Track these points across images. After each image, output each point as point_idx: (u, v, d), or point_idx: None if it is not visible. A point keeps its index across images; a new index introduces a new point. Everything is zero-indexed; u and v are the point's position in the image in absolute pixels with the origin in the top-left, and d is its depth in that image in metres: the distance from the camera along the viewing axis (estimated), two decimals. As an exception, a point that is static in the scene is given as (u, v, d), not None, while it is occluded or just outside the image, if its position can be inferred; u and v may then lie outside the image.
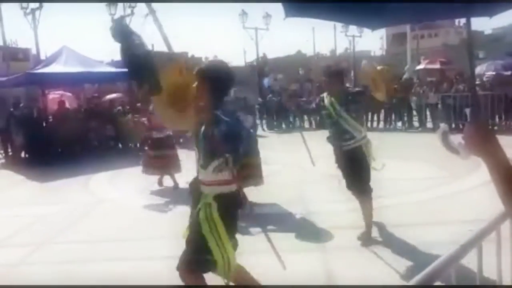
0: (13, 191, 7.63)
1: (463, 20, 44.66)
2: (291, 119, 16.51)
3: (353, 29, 26.14)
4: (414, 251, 3.86)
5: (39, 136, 10.86)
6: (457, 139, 1.41)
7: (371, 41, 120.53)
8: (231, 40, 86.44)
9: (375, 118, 14.34)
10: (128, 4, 18.04)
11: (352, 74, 26.15)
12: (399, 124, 13.66)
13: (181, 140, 12.84)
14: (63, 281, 3.72)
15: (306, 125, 16.00)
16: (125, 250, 4.44)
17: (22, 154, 11.59)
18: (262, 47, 44.66)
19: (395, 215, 4.97)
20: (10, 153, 11.65)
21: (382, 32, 45.21)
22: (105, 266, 4.04)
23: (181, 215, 4.93)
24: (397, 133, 12.86)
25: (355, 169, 4.22)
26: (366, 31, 27.45)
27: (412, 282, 1.31)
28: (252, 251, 4.15)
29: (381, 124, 14.13)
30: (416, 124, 13.29)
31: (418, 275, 1.34)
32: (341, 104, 4.16)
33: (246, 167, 5.84)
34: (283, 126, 16.25)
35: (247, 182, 5.92)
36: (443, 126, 1.52)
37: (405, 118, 13.37)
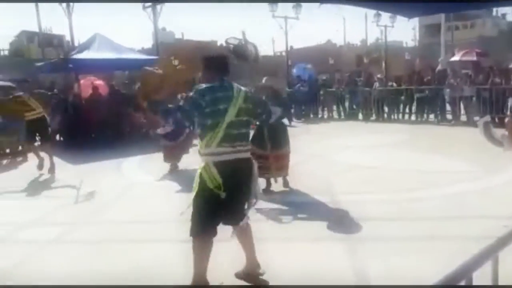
0: (47, 173, 7.87)
1: (502, 10, 42.76)
2: (319, 109, 16.35)
3: (385, 19, 25.44)
4: (445, 245, 3.79)
5: (74, 120, 11.18)
6: (499, 131, 1.37)
7: (403, 31, 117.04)
8: (260, 29, 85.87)
9: (407, 110, 14.04)
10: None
11: (383, 65, 25.60)
12: (432, 116, 13.32)
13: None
14: (96, 260, 3.85)
15: (335, 115, 15.85)
16: (157, 231, 4.54)
17: (57, 137, 11.97)
18: (292, 36, 44.24)
19: (426, 209, 4.89)
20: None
21: (414, 23, 44.01)
22: (136, 246, 4.15)
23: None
24: (430, 126, 12.57)
25: None
26: (399, 20, 26.79)
27: (444, 277, 1.28)
28: (280, 239, 4.19)
29: (413, 117, 13.84)
30: (449, 117, 12.93)
31: (452, 270, 1.31)
32: None
33: (279, 157, 5.86)
34: (311, 115, 16.12)
35: (277, 173, 5.95)
36: (485, 117, 1.49)
37: (438, 111, 13.02)
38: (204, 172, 3.00)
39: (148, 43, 36.36)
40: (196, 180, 3.05)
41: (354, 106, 15.41)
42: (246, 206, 3.18)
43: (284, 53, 30.02)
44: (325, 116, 16.07)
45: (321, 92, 16.23)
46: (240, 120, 3.06)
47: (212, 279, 3.09)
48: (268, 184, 5.95)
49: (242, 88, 3.18)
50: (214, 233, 3.07)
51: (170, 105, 3.35)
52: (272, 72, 26.39)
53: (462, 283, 1.33)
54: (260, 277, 3.31)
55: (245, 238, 3.33)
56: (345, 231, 4.34)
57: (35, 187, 6.96)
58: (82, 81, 12.28)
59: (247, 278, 3.33)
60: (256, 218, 4.80)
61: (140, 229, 4.66)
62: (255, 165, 3.18)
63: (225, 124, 2.96)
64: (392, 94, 14.32)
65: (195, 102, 2.96)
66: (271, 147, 5.77)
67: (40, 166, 7.82)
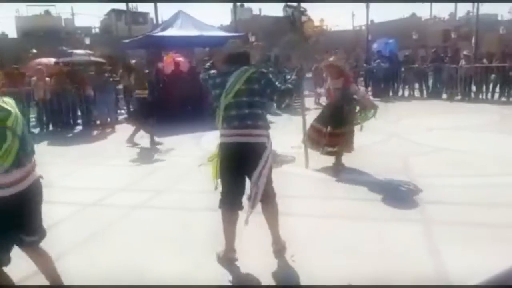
0: (133, 143, 8.45)
1: None
2: (400, 87, 15.62)
3: (478, -12, 23.28)
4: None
5: (157, 96, 11.79)
6: None
7: (498, 3, 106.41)
8: (339, 3, 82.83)
9: (497, 89, 12.97)
10: None
11: (473, 40, 23.66)
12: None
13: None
14: (177, 227, 4.14)
15: (417, 93, 15.07)
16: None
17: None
18: (373, 9, 42.30)
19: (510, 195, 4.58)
20: (132, 110, 12.83)
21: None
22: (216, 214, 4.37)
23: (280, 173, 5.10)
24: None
25: None
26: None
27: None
28: (352, 217, 4.18)
29: (504, 97, 12.77)
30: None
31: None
32: None
33: (333, 135, 5.79)
34: (391, 93, 15.44)
35: (326, 150, 5.91)
36: None
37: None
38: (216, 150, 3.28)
39: (227, 20, 36.91)
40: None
41: (438, 85, 14.54)
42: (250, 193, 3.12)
43: (364, 27, 28.89)
44: (406, 95, 15.35)
45: (402, 69, 15.48)
46: (239, 102, 3.11)
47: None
48: (338, 160, 5.92)
49: (251, 69, 3.17)
50: (235, 206, 3.24)
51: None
52: (350, 47, 25.54)
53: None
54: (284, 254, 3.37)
55: (268, 216, 3.35)
56: (421, 214, 4.22)
57: (123, 156, 7.53)
58: (164, 58, 12.85)
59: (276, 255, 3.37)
60: (325, 195, 4.85)
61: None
62: (266, 152, 3.09)
63: (223, 106, 3.13)
64: (482, 72, 13.27)
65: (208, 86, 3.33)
66: (328, 125, 5.79)
67: (152, 142, 8.18)
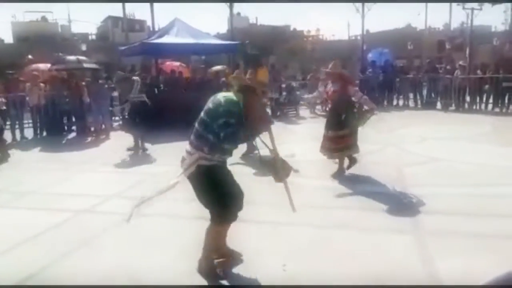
0: (126, 150, 8.41)
1: None
2: (394, 97, 15.69)
3: None
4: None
5: (152, 102, 11.75)
6: None
7: (492, 14, 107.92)
8: (335, 12, 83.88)
9: (491, 100, 13.07)
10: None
11: (467, 52, 23.89)
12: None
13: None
14: (169, 234, 4.10)
15: (411, 103, 15.15)
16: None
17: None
18: (368, 19, 42.70)
19: (504, 206, 4.59)
20: (126, 117, 12.79)
21: (506, 5, 40.26)
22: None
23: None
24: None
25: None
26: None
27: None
28: (347, 227, 4.17)
29: (497, 108, 12.86)
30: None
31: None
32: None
33: (333, 139, 5.88)
34: (385, 103, 15.50)
35: (330, 154, 6.08)
36: None
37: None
38: None
39: (223, 28, 37.09)
40: None
41: (433, 95, 14.63)
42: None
43: (359, 37, 29.12)
44: (400, 104, 15.43)
45: (397, 79, 15.58)
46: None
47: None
48: (341, 164, 6.07)
49: (219, 96, 3.07)
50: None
51: None
52: (346, 56, 25.70)
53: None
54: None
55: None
56: (416, 224, 4.22)
57: (116, 163, 7.48)
58: (167, 64, 12.81)
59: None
60: (322, 204, 4.84)
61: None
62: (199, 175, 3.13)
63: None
64: (476, 83, 13.38)
65: None
66: (330, 129, 5.98)
67: (137, 147, 8.29)
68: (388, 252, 3.56)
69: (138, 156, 7.99)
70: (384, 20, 59.19)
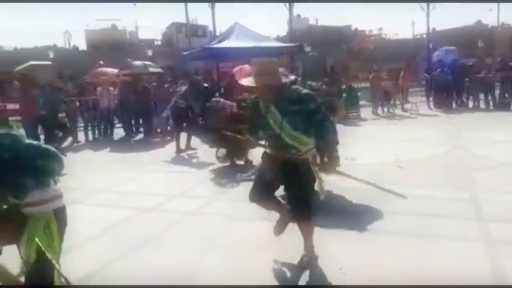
0: (190, 151, 8.70)
1: None
2: (464, 98, 14.86)
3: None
4: None
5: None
6: None
7: None
8: (398, 11, 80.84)
9: None
10: None
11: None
12: None
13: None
14: (229, 234, 4.20)
15: (482, 105, 14.27)
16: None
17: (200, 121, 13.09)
18: (434, 17, 40.65)
19: None
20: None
21: None
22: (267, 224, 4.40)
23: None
24: None
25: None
26: None
27: None
28: (414, 235, 4.04)
29: None
30: None
31: None
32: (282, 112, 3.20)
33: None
34: (454, 105, 14.72)
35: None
36: None
37: None
38: None
39: (283, 31, 37.17)
40: None
41: (506, 95, 13.69)
42: None
43: (425, 36, 27.92)
44: (470, 106, 14.59)
45: (467, 79, 14.74)
46: None
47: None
48: None
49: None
50: None
51: None
52: (409, 56, 24.76)
53: None
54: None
55: None
56: (486, 232, 3.98)
57: (180, 164, 7.77)
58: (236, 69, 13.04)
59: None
60: (385, 210, 4.71)
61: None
62: None
63: None
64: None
65: None
66: None
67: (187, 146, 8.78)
68: (458, 259, 3.40)
69: (198, 157, 8.23)
70: (451, 17, 56.22)
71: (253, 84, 3.20)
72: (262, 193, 3.39)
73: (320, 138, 3.22)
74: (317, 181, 3.32)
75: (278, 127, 3.17)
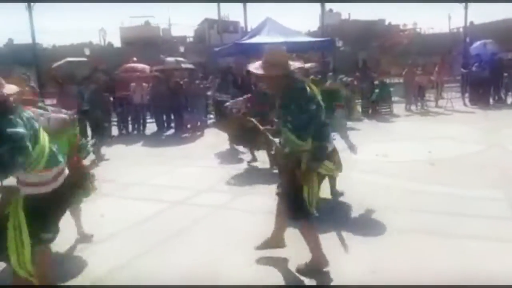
0: (219, 147, 8.76)
1: None
2: (502, 94, 14.30)
3: None
4: None
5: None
6: None
7: None
8: (434, 5, 78.23)
9: None
10: None
11: None
12: None
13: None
14: (255, 228, 4.22)
15: (521, 101, 13.71)
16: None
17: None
18: (472, 10, 39.20)
19: None
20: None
21: None
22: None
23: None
24: None
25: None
26: None
27: None
28: (445, 234, 3.94)
29: None
30: None
31: None
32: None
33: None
34: (491, 101, 14.18)
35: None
36: None
37: None
38: None
39: (314, 26, 36.83)
40: None
41: (548, 91, 13.09)
42: None
43: (462, 29, 26.98)
44: (509, 102, 14.03)
45: (505, 74, 14.16)
46: None
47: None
48: None
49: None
50: None
51: None
52: (445, 50, 23.99)
53: None
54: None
55: None
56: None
57: (209, 159, 7.85)
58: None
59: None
60: (414, 207, 4.60)
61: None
62: None
63: None
64: None
65: None
66: None
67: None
68: (491, 260, 3.31)
69: (228, 152, 8.28)
70: (490, 10, 53.99)
71: (257, 72, 3.11)
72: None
73: (315, 141, 3.01)
74: (305, 187, 3.08)
75: (282, 120, 3.13)
